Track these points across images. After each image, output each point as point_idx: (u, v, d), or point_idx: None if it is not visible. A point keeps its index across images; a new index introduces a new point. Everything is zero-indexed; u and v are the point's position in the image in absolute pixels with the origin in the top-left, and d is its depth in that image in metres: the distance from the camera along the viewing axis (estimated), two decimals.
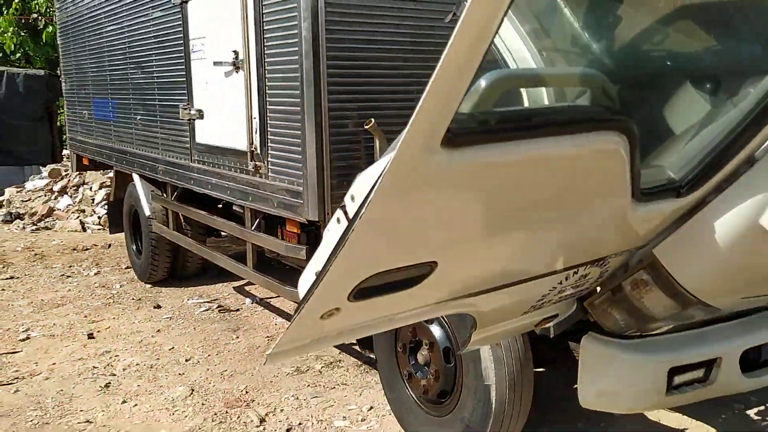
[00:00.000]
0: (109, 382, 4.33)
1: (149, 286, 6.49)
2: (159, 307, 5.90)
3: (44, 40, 12.89)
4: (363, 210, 1.27)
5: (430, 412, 3.25)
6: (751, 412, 3.71)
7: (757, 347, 2.60)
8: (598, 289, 2.40)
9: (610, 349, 2.39)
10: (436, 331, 3.14)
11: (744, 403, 3.80)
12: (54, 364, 4.69)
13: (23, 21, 12.68)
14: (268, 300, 5.96)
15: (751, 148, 1.87)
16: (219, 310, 5.74)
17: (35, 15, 12.65)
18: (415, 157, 1.24)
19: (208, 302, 5.94)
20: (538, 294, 2.07)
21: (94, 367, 4.60)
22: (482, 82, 1.48)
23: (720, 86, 2.10)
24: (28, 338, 5.21)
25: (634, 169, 1.70)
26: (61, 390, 4.24)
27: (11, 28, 12.19)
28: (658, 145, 2.07)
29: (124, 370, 4.54)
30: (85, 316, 5.70)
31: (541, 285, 2.00)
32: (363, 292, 1.49)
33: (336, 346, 4.66)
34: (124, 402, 4.04)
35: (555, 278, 2.01)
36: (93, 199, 10.08)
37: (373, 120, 3.39)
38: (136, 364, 4.62)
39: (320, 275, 1.40)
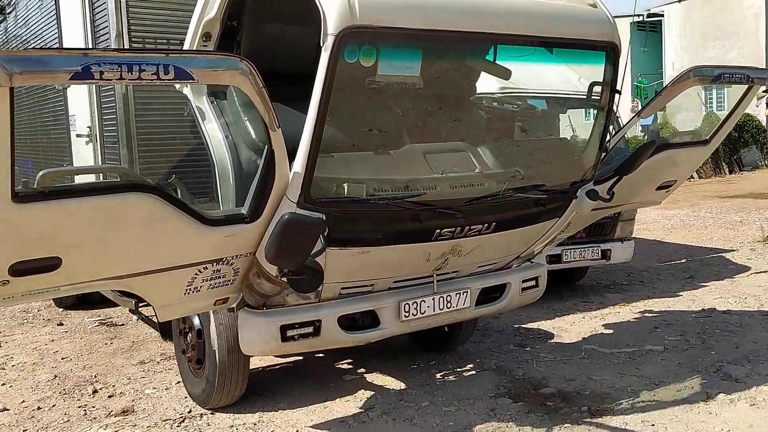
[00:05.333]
0: None
1: (62, 309, 7.97)
2: (61, 324, 7.38)
3: None
4: None
5: (194, 375, 4.75)
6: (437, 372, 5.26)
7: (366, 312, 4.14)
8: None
9: (249, 315, 3.91)
10: (194, 319, 4.65)
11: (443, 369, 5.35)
12: None
13: None
14: (152, 317, 7.43)
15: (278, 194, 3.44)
16: (107, 325, 7.22)
17: None
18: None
19: (101, 320, 7.42)
20: (181, 282, 3.55)
21: None
22: (39, 174, 3.05)
23: None
24: None
25: (182, 207, 3.22)
26: None
27: None
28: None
29: (12, 366, 6.00)
30: (0, 332, 7.18)
31: (175, 276, 3.48)
32: (18, 272, 2.97)
33: None
34: (2, 384, 5.50)
35: (186, 272, 3.51)
36: None
37: (174, 175, 4.94)
38: (24, 362, 6.08)
39: None
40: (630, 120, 5.00)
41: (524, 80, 5.49)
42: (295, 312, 3.93)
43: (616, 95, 4.29)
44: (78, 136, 5.92)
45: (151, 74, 2.59)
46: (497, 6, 3.66)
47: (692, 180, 22.25)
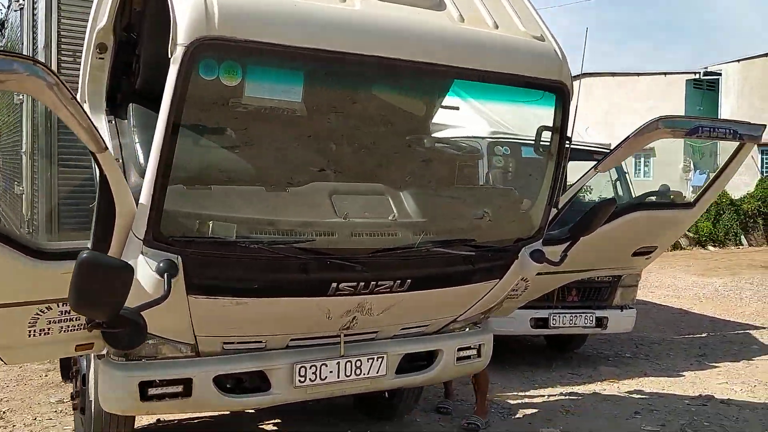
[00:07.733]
0: None
1: None
2: None
3: None
4: None
5: (81, 425, 4.22)
6: None
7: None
8: None
9: (106, 367, 3.37)
10: (83, 361, 4.15)
11: None
12: None
13: None
14: None
15: None
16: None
17: None
18: None
19: None
20: (20, 322, 3.07)
21: None
22: None
23: None
24: None
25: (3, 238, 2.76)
26: None
27: None
28: None
29: None
30: None
31: (10, 315, 3.00)
32: None
33: None
34: None
35: (22, 311, 3.03)
36: None
37: None
38: None
39: None
40: (585, 174, 4.33)
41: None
42: (161, 367, 3.37)
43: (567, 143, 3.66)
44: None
45: None
46: (402, 26, 3.09)
47: (741, 247, 20.90)
